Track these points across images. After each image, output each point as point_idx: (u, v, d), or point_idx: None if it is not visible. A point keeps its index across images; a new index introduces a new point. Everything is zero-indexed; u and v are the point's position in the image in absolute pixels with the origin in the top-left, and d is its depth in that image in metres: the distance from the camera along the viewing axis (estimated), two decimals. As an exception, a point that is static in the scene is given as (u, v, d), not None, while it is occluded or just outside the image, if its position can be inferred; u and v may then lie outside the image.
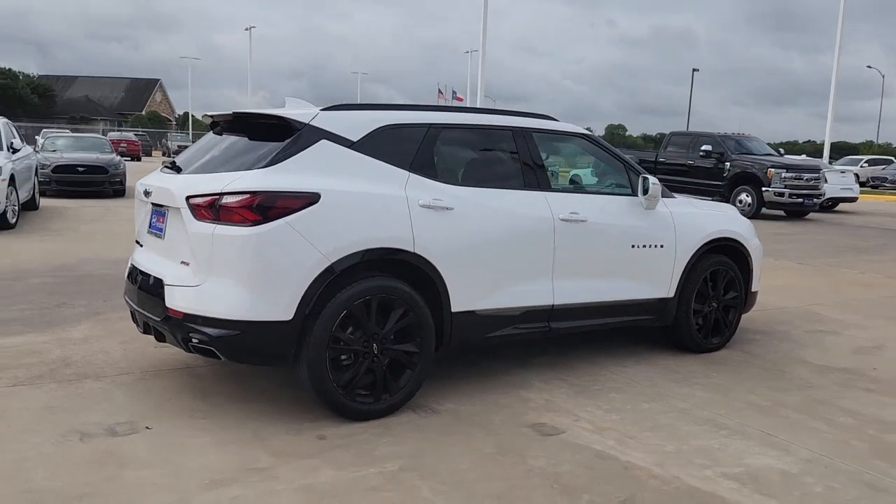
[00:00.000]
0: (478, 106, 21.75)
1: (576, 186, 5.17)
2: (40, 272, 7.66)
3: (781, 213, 18.09)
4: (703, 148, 18.14)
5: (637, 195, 4.97)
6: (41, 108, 62.26)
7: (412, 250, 3.91)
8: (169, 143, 47.93)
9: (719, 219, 5.49)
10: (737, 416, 4.15)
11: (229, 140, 4.14)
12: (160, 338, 3.97)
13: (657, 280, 5.08)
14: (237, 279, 3.59)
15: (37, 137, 21.32)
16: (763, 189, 16.99)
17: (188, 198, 3.69)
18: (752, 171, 17.39)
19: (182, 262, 3.78)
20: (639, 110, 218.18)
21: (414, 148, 4.12)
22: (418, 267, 3.97)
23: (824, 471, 3.46)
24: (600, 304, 4.82)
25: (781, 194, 16.97)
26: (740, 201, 17.37)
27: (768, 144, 20.75)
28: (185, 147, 27.98)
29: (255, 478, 3.19)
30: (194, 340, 3.66)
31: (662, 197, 5.21)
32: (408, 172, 4.04)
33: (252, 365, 4.10)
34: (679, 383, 4.71)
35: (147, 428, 3.69)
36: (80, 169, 15.65)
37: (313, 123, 3.87)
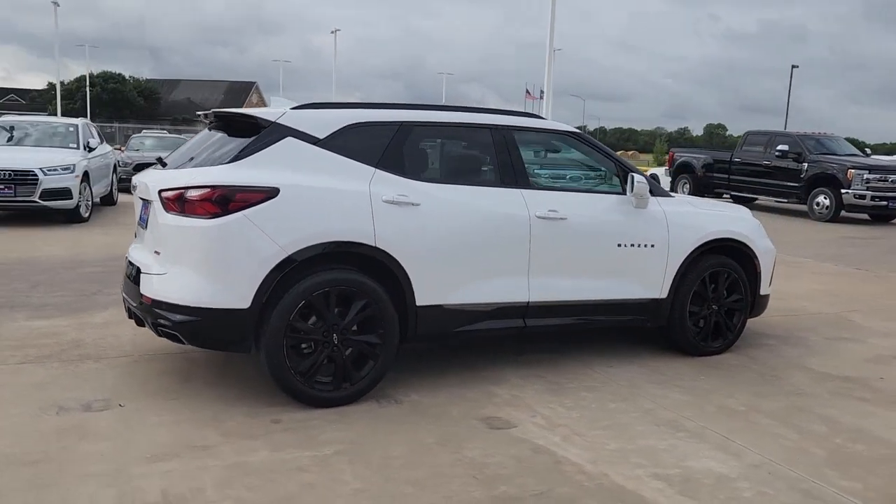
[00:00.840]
0: (545, 106, 21.60)
1: (559, 184, 5.16)
2: (93, 262, 8.22)
3: (865, 216, 17.12)
4: (779, 148, 17.42)
5: (627, 194, 4.92)
6: (147, 110, 65.94)
7: (373, 244, 4.03)
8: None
9: (719, 219, 5.35)
10: (702, 419, 4.06)
11: (213, 137, 4.38)
12: (140, 323, 4.24)
13: (647, 280, 5.00)
14: (197, 268, 3.82)
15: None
16: (842, 191, 16.13)
17: (160, 191, 3.94)
18: (831, 172, 16.54)
19: (155, 252, 4.04)
20: (742, 109, 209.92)
21: (382, 145, 4.24)
22: (380, 261, 4.08)
23: (765, 477, 3.37)
24: (583, 303, 4.80)
25: (863, 196, 16.05)
26: (817, 204, 16.57)
27: (865, 143, 19.67)
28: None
29: (196, 454, 3.40)
30: (161, 325, 3.91)
31: (658, 196, 5.13)
32: (374, 169, 4.16)
33: (213, 350, 4.31)
34: (659, 385, 4.64)
35: (120, 405, 3.97)
36: None
37: (280, 122, 4.06)
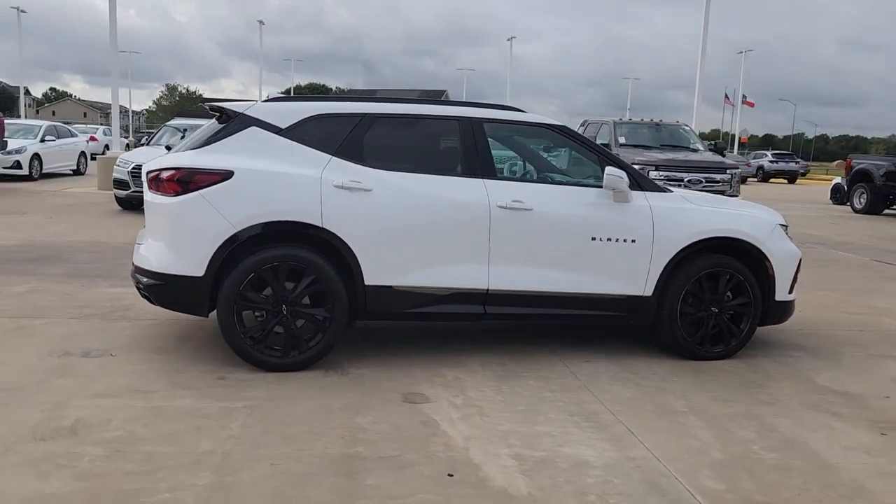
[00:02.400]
0: (694, 109, 20.66)
1: (531, 175, 5.19)
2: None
3: None
4: (968, 154, 15.36)
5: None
6: (347, 118, 70.87)
7: (320, 224, 4.39)
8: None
9: (719, 217, 5.07)
10: (626, 415, 3.98)
11: (210, 127, 4.96)
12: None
13: (628, 276, 4.89)
14: (163, 239, 4.41)
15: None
16: None
17: (147, 173, 4.58)
18: None
19: (143, 225, 4.69)
20: None
21: (342, 135, 4.58)
22: (327, 240, 4.43)
23: (628, 468, 3.30)
24: (551, 295, 4.81)
25: None
26: None
27: None
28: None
29: (131, 397, 3.95)
30: (139, 287, 4.54)
31: (647, 190, 5.01)
32: (330, 156, 4.52)
33: (176, 311, 4.81)
34: (618, 381, 4.55)
35: (111, 355, 4.65)
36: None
37: (247, 112, 4.55)
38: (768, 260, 5.12)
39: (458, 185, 4.68)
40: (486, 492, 3.04)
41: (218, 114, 5.05)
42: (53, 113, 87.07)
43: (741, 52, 48.63)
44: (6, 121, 16.83)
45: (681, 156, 12.70)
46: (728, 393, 4.44)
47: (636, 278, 4.92)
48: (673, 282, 4.97)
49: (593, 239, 4.83)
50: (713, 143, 14.62)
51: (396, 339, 5.25)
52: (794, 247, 5.31)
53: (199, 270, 4.33)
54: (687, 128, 14.20)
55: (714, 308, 5.06)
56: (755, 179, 37.45)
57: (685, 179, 11.95)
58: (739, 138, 68.92)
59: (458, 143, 4.79)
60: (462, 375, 4.54)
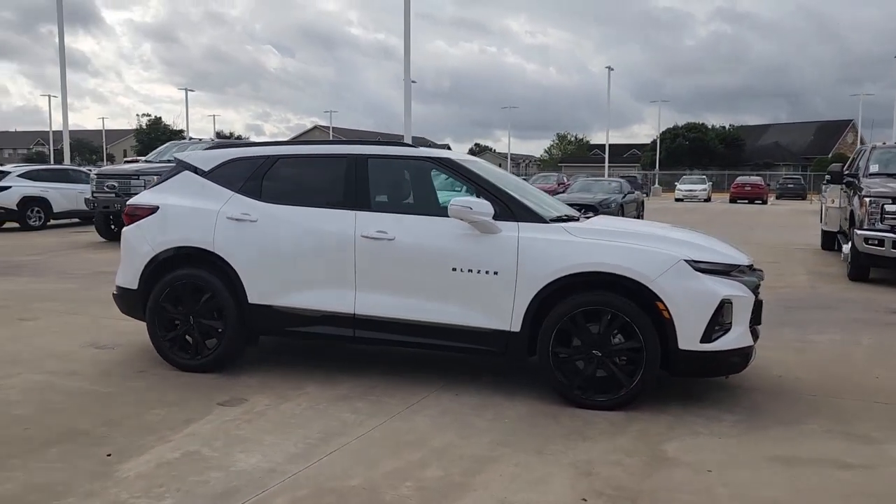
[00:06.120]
0: None
1: (400, 207, 5.22)
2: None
3: None
4: None
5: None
6: (727, 157, 67.50)
7: (212, 250, 5.23)
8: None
9: (596, 250, 4.54)
10: (365, 440, 4.03)
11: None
12: None
13: (491, 309, 4.72)
14: (121, 259, 5.69)
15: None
16: None
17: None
18: None
19: None
20: None
21: (246, 175, 5.37)
22: (218, 264, 5.24)
23: (252, 475, 3.52)
24: (414, 323, 4.88)
25: None
26: None
27: None
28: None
29: (58, 376, 5.23)
30: (113, 296, 5.91)
31: (522, 221, 4.77)
32: (233, 193, 5.34)
33: (129, 317, 5.91)
34: (439, 416, 4.45)
35: (112, 348, 6.07)
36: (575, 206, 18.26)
37: (184, 159, 5.62)
38: (661, 300, 4.42)
39: (330, 216, 5.09)
40: (107, 470, 3.58)
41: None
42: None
43: None
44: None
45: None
46: (520, 440, 4.07)
47: (501, 312, 4.71)
48: (543, 319, 4.63)
49: (454, 270, 4.79)
50: None
51: (351, 358, 5.74)
52: (713, 287, 4.46)
53: (134, 284, 5.50)
54: (982, 150, 11.21)
55: (596, 351, 4.55)
56: None
57: (935, 214, 9.61)
58: None
59: (342, 179, 5.19)
60: (315, 392, 4.91)
